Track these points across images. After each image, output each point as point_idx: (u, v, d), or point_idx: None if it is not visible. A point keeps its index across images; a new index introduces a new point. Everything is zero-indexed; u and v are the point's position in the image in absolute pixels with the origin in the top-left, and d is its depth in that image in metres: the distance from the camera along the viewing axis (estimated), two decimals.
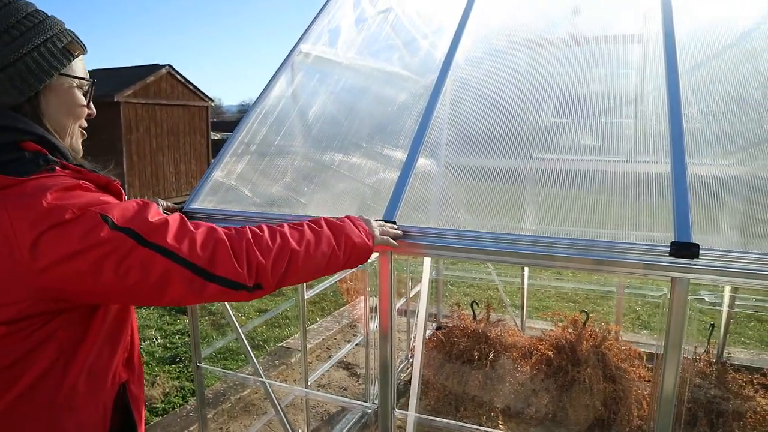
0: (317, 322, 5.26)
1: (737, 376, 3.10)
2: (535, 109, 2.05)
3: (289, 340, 4.86)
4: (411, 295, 4.14)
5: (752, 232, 1.44)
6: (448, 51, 2.23)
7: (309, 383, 2.88)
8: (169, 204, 1.73)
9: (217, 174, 2.11)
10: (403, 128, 2.11)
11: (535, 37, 2.46)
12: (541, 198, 1.78)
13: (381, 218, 1.59)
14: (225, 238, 1.03)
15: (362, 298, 3.82)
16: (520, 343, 3.50)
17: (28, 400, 0.96)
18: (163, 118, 14.68)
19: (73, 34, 1.10)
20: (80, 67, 1.11)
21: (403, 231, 1.58)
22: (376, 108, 2.41)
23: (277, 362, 4.30)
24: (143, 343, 4.82)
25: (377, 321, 3.48)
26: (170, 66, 14.69)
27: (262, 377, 2.20)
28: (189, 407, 3.64)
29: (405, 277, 4.11)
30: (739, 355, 4.05)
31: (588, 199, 1.73)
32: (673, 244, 1.31)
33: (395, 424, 1.72)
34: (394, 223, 1.59)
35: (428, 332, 4.20)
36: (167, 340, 4.96)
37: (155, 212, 0.99)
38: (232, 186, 2.11)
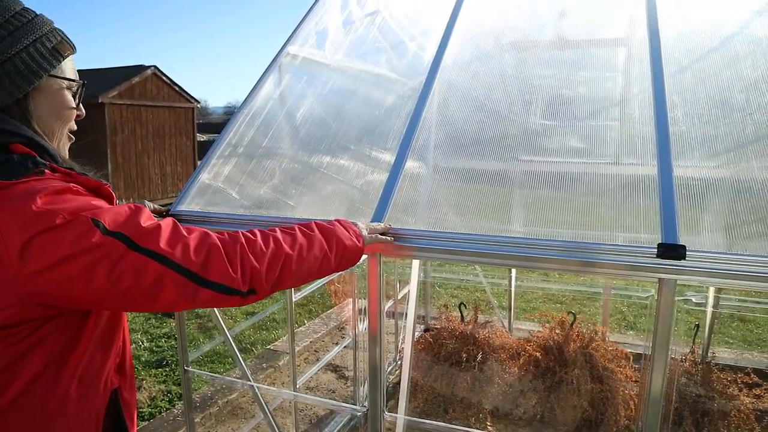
0: (305, 324, 5.25)
1: (722, 376, 3.14)
2: (523, 112, 2.07)
3: (276, 342, 4.84)
4: (399, 297, 4.14)
5: (737, 233, 1.46)
6: (435, 53, 2.23)
7: (297, 386, 2.87)
8: (156, 206, 1.71)
9: (204, 176, 2.09)
10: (391, 130, 2.11)
11: (523, 39, 2.48)
12: (528, 200, 1.79)
13: (369, 220, 1.59)
14: (218, 243, 1.02)
15: (350, 300, 3.81)
16: (508, 345, 3.52)
17: (19, 406, 0.94)
18: (148, 120, 14.56)
19: (63, 33, 1.08)
20: (69, 67, 1.09)
21: (392, 233, 1.58)
22: (364, 110, 2.41)
23: (264, 365, 4.28)
24: None
25: (365, 323, 3.47)
26: (156, 67, 14.59)
27: (250, 380, 2.18)
28: (176, 411, 3.61)
29: (393, 279, 4.11)
30: (723, 354, 4.10)
31: (575, 201, 1.74)
32: (660, 245, 1.33)
33: (385, 426, 1.72)
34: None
35: (416, 334, 4.20)
36: (153, 343, 4.92)
37: (147, 217, 0.98)
38: (219, 188, 2.09)
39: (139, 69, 14.43)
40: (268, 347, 4.71)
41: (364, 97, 2.50)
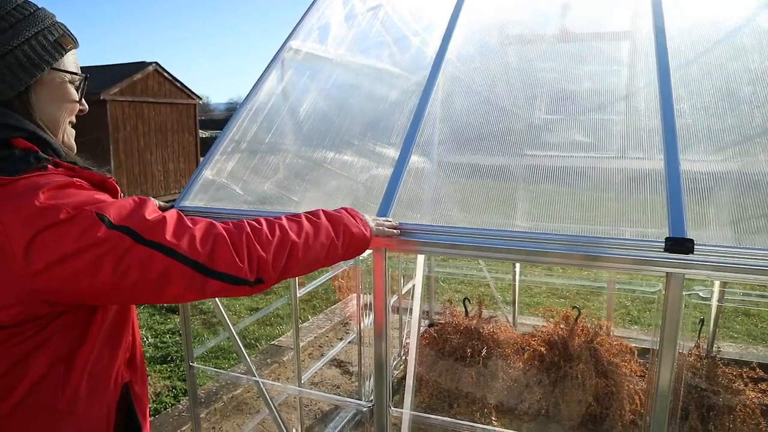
0: (309, 320, 5.25)
1: (727, 370, 3.12)
2: (527, 106, 2.05)
3: (280, 338, 4.85)
4: (403, 293, 4.14)
5: (745, 227, 1.45)
6: (439, 47, 2.22)
7: (302, 381, 2.87)
8: (161, 203, 1.71)
9: (208, 172, 2.09)
10: (395, 125, 2.10)
11: (526, 33, 2.47)
12: (533, 195, 1.79)
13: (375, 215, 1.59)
14: (224, 233, 1.02)
15: (354, 295, 3.81)
16: (512, 340, 3.51)
17: (28, 406, 0.94)
18: (150, 116, 14.55)
19: (65, 27, 1.07)
20: (71, 61, 1.09)
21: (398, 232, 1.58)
22: (368, 105, 2.40)
23: (269, 361, 4.28)
24: None
25: (370, 318, 3.47)
26: (157, 63, 14.57)
27: (255, 376, 2.18)
28: (181, 407, 3.61)
29: (397, 274, 4.10)
30: (728, 349, 4.09)
31: (580, 195, 1.73)
32: (667, 239, 1.32)
33: (391, 421, 1.72)
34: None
35: (421, 329, 4.20)
36: (158, 339, 4.93)
37: (152, 209, 0.97)
38: (222, 184, 2.09)
39: (140, 66, 14.42)
40: (273, 343, 4.72)
41: (368, 91, 2.49)
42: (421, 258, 2.31)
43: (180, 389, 3.95)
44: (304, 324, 5.10)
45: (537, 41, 2.39)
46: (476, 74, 2.23)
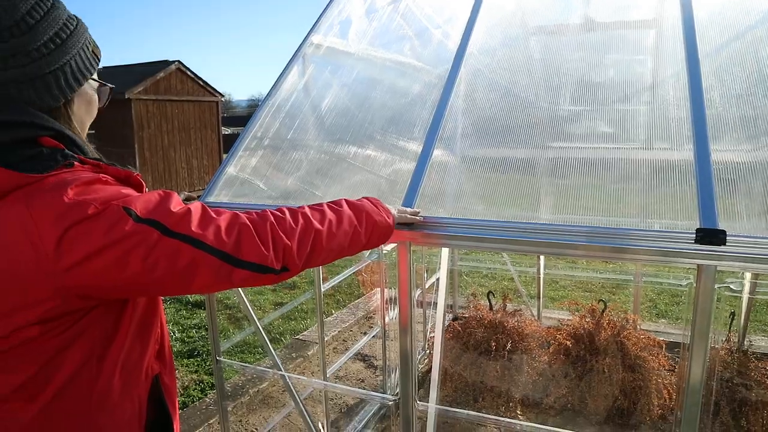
0: (333, 314, 5.28)
1: (760, 365, 3.06)
2: (550, 98, 2.03)
3: (305, 332, 4.88)
4: (426, 287, 4.13)
5: None
6: (461, 40, 2.20)
7: (327, 375, 2.89)
8: (187, 193, 1.73)
9: (231, 168, 2.11)
10: (417, 119, 2.09)
11: (549, 23, 2.43)
12: (557, 187, 1.76)
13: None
14: (248, 222, 1.03)
15: (377, 289, 3.82)
16: (537, 333, 3.48)
17: (64, 398, 0.96)
18: (174, 114, 14.73)
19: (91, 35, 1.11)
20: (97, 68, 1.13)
21: (421, 221, 1.57)
22: (390, 99, 2.40)
23: (294, 355, 4.32)
24: None
25: (394, 312, 3.47)
26: (180, 62, 14.73)
27: (281, 370, 2.20)
28: (208, 400, 3.67)
29: (421, 268, 4.10)
30: (760, 342, 4.00)
31: (606, 187, 1.71)
32: (698, 230, 1.29)
33: (416, 415, 1.72)
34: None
35: (445, 323, 4.19)
36: (185, 334, 5.00)
37: (177, 202, 0.99)
38: (246, 179, 2.11)
39: (163, 64, 14.59)
40: (297, 337, 4.75)
41: (390, 85, 2.49)
42: (445, 251, 2.30)
43: (207, 383, 4.01)
44: (329, 318, 5.13)
45: (560, 31, 2.35)
46: (499, 66, 2.21)
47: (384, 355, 3.45)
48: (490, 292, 3.92)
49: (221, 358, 2.20)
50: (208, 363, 4.34)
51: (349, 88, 2.46)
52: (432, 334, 3.95)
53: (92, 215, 0.88)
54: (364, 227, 1.25)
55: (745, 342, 3.44)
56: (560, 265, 5.66)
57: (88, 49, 1.07)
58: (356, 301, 5.59)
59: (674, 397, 3.07)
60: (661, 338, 3.41)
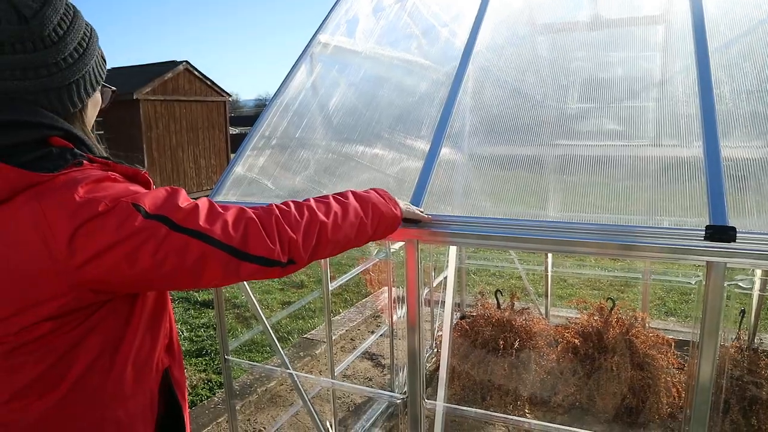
0: (340, 313, 5.29)
1: None
2: (558, 95, 2.02)
3: (312, 331, 4.89)
4: (434, 285, 4.13)
5: None
6: (468, 38, 2.20)
7: (335, 374, 2.89)
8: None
9: (239, 168, 2.12)
10: (425, 117, 2.09)
11: (556, 21, 2.42)
12: (566, 185, 1.76)
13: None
14: (254, 216, 1.04)
15: (384, 288, 3.82)
16: (545, 332, 3.47)
17: (78, 392, 0.97)
18: (182, 114, 14.80)
19: None
20: None
21: (429, 218, 1.57)
22: (397, 97, 2.40)
23: (302, 354, 4.33)
24: None
25: (402, 311, 3.47)
26: (187, 62, 14.78)
27: (289, 369, 2.21)
28: (217, 399, 3.69)
29: (428, 266, 4.10)
30: None
31: (614, 185, 1.70)
32: (708, 227, 1.28)
33: (424, 413, 1.72)
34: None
35: (453, 321, 4.18)
36: (193, 333, 5.03)
37: (184, 198, 1.00)
38: (254, 179, 2.11)
39: (171, 65, 14.65)
40: (305, 336, 4.77)
41: (397, 84, 2.49)
42: (453, 249, 2.30)
43: (215, 382, 4.02)
44: (336, 317, 5.14)
45: (568, 29, 2.34)
46: (506, 64, 2.20)
47: (392, 354, 3.45)
48: (497, 290, 3.92)
49: (229, 357, 2.21)
50: (216, 362, 4.35)
51: (356, 87, 2.46)
52: (440, 333, 3.94)
53: (103, 212, 0.90)
54: (370, 218, 1.25)
55: (756, 340, 3.42)
56: (568, 263, 5.64)
57: (99, 54, 1.09)
58: (364, 300, 5.59)
59: (683, 395, 3.06)
60: (671, 336, 3.40)
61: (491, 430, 3.19)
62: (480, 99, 2.06)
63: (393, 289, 3.27)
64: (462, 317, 4.35)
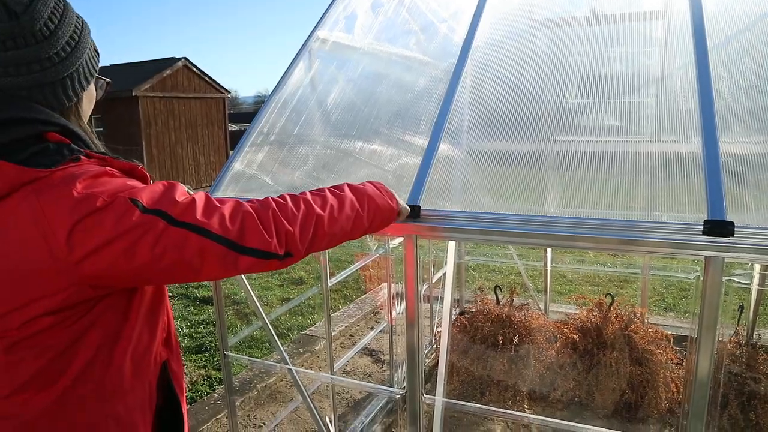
0: (340, 309, 5.29)
1: None
2: (557, 91, 2.02)
3: (312, 327, 4.90)
4: (433, 281, 4.13)
5: None
6: (467, 33, 2.20)
7: (334, 370, 2.90)
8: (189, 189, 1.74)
9: (238, 164, 2.12)
10: (423, 113, 2.09)
11: (555, 16, 2.42)
12: (565, 181, 1.76)
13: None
14: (251, 210, 1.05)
15: (384, 284, 3.82)
16: (544, 327, 3.48)
17: (78, 386, 0.98)
18: (180, 111, 14.79)
19: None
20: None
21: (428, 215, 1.57)
22: (396, 93, 2.39)
23: (301, 350, 4.34)
24: None
25: (401, 307, 3.48)
26: (186, 59, 14.76)
27: (288, 364, 2.21)
28: (216, 395, 3.69)
29: (427, 262, 4.10)
30: None
31: (613, 180, 1.70)
32: (706, 222, 1.28)
33: (423, 409, 1.72)
34: (419, 207, 1.58)
35: (452, 317, 4.18)
36: (192, 329, 5.03)
37: (182, 192, 1.00)
38: (252, 175, 2.11)
39: (170, 62, 14.64)
40: (304, 332, 4.77)
41: (395, 80, 2.48)
42: (452, 245, 2.30)
43: (215, 378, 4.03)
44: (336, 313, 5.15)
45: (566, 24, 2.34)
46: (505, 60, 2.20)
47: (391, 350, 3.46)
48: (497, 286, 3.92)
49: (229, 353, 2.21)
50: (215, 359, 4.36)
51: (354, 83, 2.46)
52: (439, 329, 3.95)
53: (101, 207, 0.90)
54: (366, 211, 1.26)
55: (755, 335, 3.43)
56: (567, 259, 5.65)
57: (92, 47, 1.09)
58: (363, 296, 5.60)
59: (682, 390, 3.06)
60: (669, 332, 3.40)
61: (490, 426, 3.20)
62: (479, 94, 2.06)
63: (392, 285, 3.27)
64: (461, 313, 4.36)
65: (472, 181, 1.82)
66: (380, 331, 4.09)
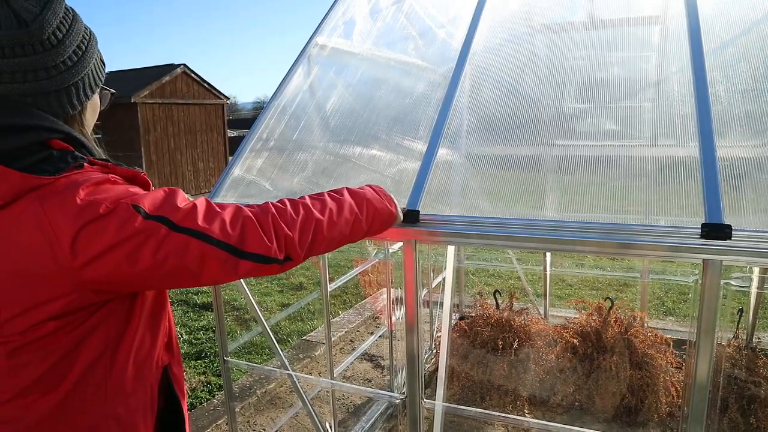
0: (339, 315, 5.29)
1: None
2: (555, 95, 2.03)
3: (312, 333, 4.89)
4: (433, 286, 4.13)
5: None
6: (465, 38, 2.21)
7: (334, 375, 2.89)
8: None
9: (237, 170, 2.12)
10: (422, 118, 2.09)
11: (553, 21, 2.43)
12: (563, 185, 1.77)
13: (404, 208, 1.59)
14: (251, 215, 1.06)
15: (383, 290, 3.82)
16: (544, 332, 3.48)
17: (80, 390, 0.98)
18: (179, 118, 14.81)
19: None
20: None
21: (427, 219, 1.58)
22: (395, 99, 2.40)
23: (301, 355, 4.33)
24: None
25: (401, 312, 3.48)
26: (185, 65, 14.80)
27: (289, 370, 2.21)
28: (216, 401, 3.68)
29: (427, 267, 4.10)
30: None
31: (611, 185, 1.71)
32: (704, 225, 1.29)
33: (423, 414, 1.72)
34: (418, 212, 1.59)
35: (451, 322, 4.18)
36: (192, 336, 5.02)
37: (183, 198, 1.02)
38: (252, 181, 2.12)
39: (169, 68, 14.67)
40: (304, 338, 4.77)
41: (394, 85, 2.49)
42: (451, 250, 2.30)
43: (215, 384, 4.02)
44: (335, 319, 5.14)
45: (565, 29, 2.35)
46: (503, 64, 2.21)
47: (391, 355, 3.45)
48: (496, 290, 3.92)
49: (229, 359, 2.21)
50: (215, 365, 4.35)
51: (353, 89, 2.47)
52: (439, 334, 3.95)
53: (104, 214, 0.91)
54: (365, 215, 1.27)
55: (754, 339, 3.43)
56: (567, 263, 5.65)
57: (98, 57, 1.10)
58: (363, 302, 5.59)
59: (682, 394, 3.06)
60: (669, 336, 3.40)
61: (490, 430, 3.20)
62: (477, 99, 2.07)
63: (392, 290, 3.27)
64: (461, 318, 4.36)
65: (471, 186, 1.83)
66: (380, 336, 4.09)
